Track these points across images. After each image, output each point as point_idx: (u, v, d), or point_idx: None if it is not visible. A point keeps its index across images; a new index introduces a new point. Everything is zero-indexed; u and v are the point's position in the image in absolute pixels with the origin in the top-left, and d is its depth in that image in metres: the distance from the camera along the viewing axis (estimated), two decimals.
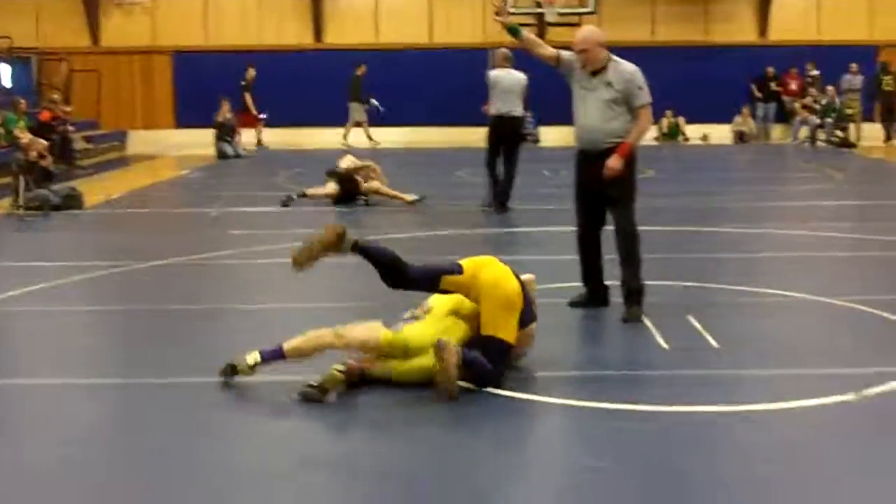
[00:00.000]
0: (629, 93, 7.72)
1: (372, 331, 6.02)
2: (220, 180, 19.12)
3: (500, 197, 13.76)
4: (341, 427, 5.51)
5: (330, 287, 9.05)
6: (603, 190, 7.75)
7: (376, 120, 26.18)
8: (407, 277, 6.13)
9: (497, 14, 8.18)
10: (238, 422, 5.54)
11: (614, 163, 7.58)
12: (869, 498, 4.52)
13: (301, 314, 7.87)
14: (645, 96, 7.75)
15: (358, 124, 26.45)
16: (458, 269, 6.08)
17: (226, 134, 23.56)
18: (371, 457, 5.04)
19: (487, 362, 5.81)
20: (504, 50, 14.02)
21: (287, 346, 6.00)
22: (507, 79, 13.65)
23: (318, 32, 28.16)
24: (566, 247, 8.59)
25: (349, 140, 25.79)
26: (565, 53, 7.97)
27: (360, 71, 26.05)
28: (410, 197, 14.43)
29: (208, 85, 26.12)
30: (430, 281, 6.15)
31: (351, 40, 28.09)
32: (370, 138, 26.26)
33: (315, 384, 5.74)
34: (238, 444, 5.23)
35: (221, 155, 23.17)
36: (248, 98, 25.64)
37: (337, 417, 5.61)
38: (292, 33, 28.23)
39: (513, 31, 8.03)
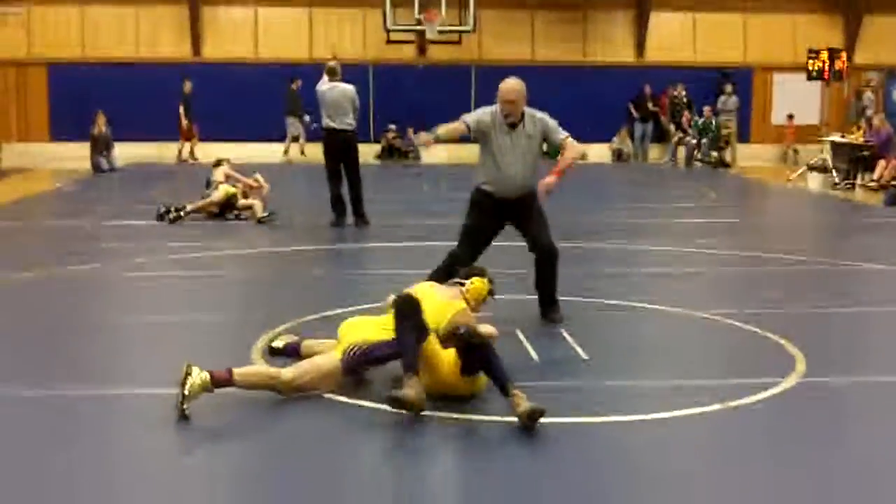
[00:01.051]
0: (548, 133, 8.14)
1: (332, 366, 6.06)
2: (94, 194, 18.76)
3: (357, 211, 13.76)
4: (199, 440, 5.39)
5: (204, 300, 8.95)
6: (518, 221, 8.15)
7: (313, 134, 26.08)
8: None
9: (424, 145, 8.23)
10: (109, 434, 5.41)
11: (553, 182, 8.03)
12: None
13: (176, 328, 7.77)
14: (562, 129, 8.20)
15: (295, 139, 26.35)
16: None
17: (101, 147, 23.08)
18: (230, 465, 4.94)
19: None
20: (331, 63, 14.03)
21: (237, 372, 5.89)
22: (332, 93, 13.61)
23: (196, 46, 27.77)
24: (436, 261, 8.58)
25: (290, 155, 25.93)
26: (470, 118, 8.09)
27: (296, 85, 25.79)
28: (260, 213, 14.23)
29: (84, 98, 25.61)
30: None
31: (229, 54, 27.80)
32: (303, 153, 26.16)
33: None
34: (107, 455, 5.07)
35: (96, 168, 22.70)
36: (182, 111, 25.48)
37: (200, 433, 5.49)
38: (170, 46, 27.79)
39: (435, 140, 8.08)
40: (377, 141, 27.26)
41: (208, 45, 27.90)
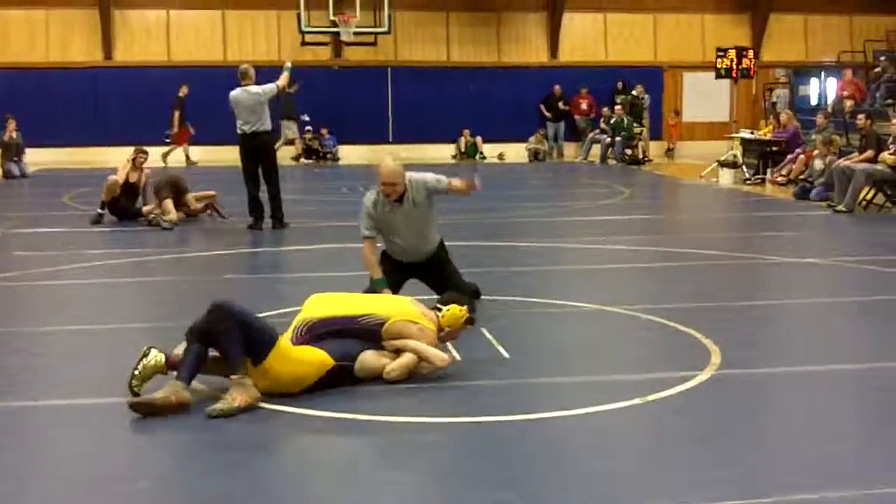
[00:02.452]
0: (431, 191, 8.08)
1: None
2: (6, 200, 18.41)
3: (275, 214, 13.74)
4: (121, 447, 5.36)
5: (121, 307, 8.88)
6: (430, 279, 8.26)
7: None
8: None
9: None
10: (25, 445, 5.34)
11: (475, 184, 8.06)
12: (652, 500, 4.66)
13: (93, 336, 7.70)
14: (441, 177, 8.10)
15: (290, 142, 26.48)
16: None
17: (12, 154, 22.69)
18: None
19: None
20: (244, 66, 13.97)
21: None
22: (245, 96, 13.52)
23: (107, 49, 27.40)
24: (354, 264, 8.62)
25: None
26: (366, 229, 8.10)
27: (293, 88, 25.67)
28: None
29: None
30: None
31: (142, 57, 27.50)
32: (300, 157, 26.72)
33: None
34: (20, 466, 5.03)
35: (7, 175, 22.32)
36: (177, 115, 25.44)
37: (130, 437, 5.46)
38: (80, 50, 27.39)
39: (380, 284, 8.00)
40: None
41: (120, 49, 27.55)
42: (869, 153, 15.95)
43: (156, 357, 5.92)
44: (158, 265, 11.37)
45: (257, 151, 13.63)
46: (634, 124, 26.74)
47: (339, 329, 6.27)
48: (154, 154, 18.25)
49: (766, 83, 27.81)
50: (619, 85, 28.30)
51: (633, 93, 28.06)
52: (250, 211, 13.75)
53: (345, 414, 5.72)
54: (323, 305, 6.45)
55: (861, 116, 17.24)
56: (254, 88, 13.55)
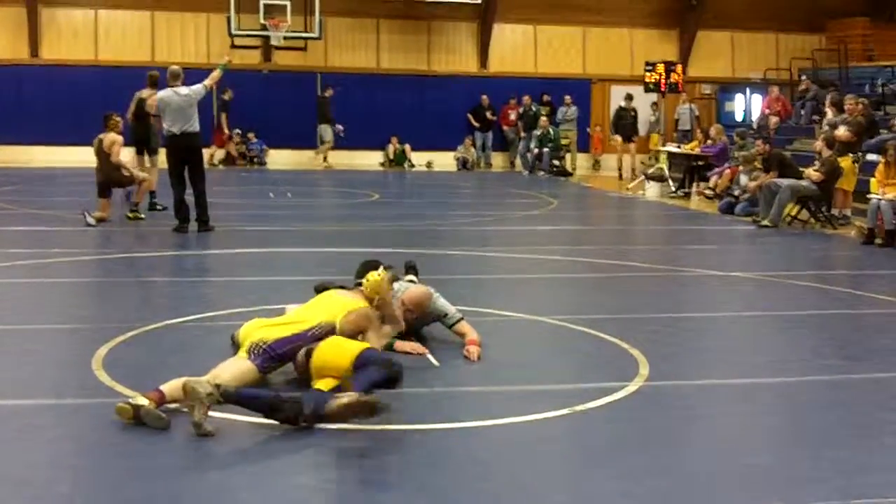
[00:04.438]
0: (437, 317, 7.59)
1: (244, 373, 5.98)
2: None
3: (200, 217, 13.60)
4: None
5: (41, 308, 8.70)
6: None
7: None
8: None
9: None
10: None
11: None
12: None
13: (14, 336, 7.54)
14: (450, 308, 7.60)
15: (325, 145, 26.99)
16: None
17: None
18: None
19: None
20: (174, 67, 13.94)
21: (165, 388, 5.71)
22: (175, 98, 13.44)
23: (33, 47, 26.91)
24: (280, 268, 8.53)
25: (329, 161, 26.98)
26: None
27: (329, 93, 26.62)
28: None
29: None
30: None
31: (69, 56, 27.06)
32: (325, 160, 27.02)
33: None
34: None
35: None
36: (224, 118, 25.96)
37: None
38: (5, 47, 26.86)
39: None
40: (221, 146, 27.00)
41: (46, 47, 27.09)
42: (773, 174, 16.24)
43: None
44: (80, 266, 11.15)
45: (185, 152, 13.48)
46: (563, 137, 26.91)
47: (297, 345, 6.15)
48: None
49: (693, 98, 28.13)
50: (544, 98, 28.43)
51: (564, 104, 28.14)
52: (176, 213, 13.57)
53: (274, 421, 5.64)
54: (269, 329, 6.28)
55: (759, 142, 17.87)
56: (183, 90, 13.45)
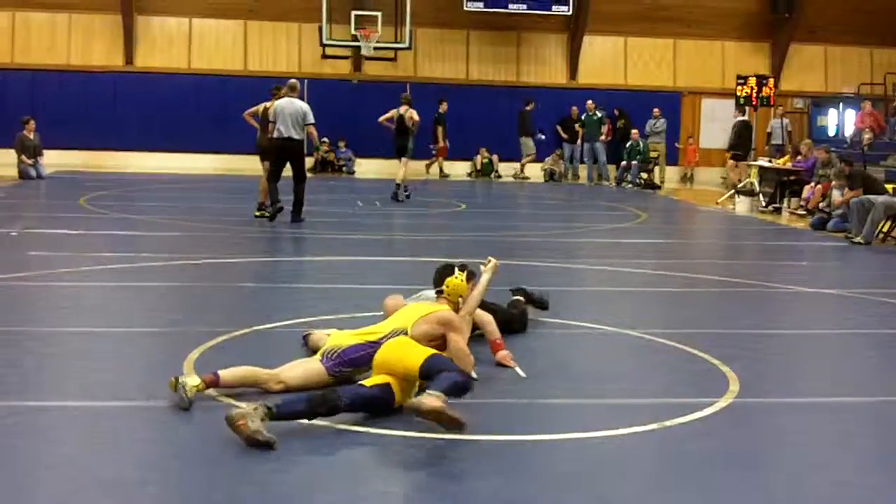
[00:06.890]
0: None
1: (311, 373, 6.25)
2: (22, 201, 18.48)
3: (295, 208, 15.44)
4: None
5: (135, 311, 8.84)
6: None
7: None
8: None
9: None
10: (37, 442, 5.30)
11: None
12: None
13: (106, 339, 7.66)
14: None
15: (529, 158, 27.87)
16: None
17: (30, 154, 22.74)
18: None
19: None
20: (293, 81, 15.82)
21: (223, 373, 6.06)
22: (290, 107, 15.27)
23: (128, 55, 27.47)
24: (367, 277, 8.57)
25: (526, 172, 27.82)
26: None
27: (530, 106, 27.43)
28: None
29: (12, 104, 25.39)
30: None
31: (163, 64, 27.57)
32: (522, 170, 27.90)
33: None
34: (26, 467, 4.99)
35: (24, 175, 22.37)
36: (440, 130, 26.38)
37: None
38: (101, 55, 27.47)
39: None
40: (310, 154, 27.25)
41: (140, 55, 27.64)
42: (858, 191, 15.95)
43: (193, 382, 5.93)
44: (175, 270, 11.32)
45: (289, 154, 15.32)
46: (651, 149, 26.71)
47: (369, 353, 6.21)
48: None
49: (785, 112, 27.75)
50: (616, 112, 28.24)
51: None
52: (270, 199, 15.42)
53: (348, 426, 5.67)
54: (347, 338, 6.48)
55: (841, 162, 17.71)
56: (298, 102, 15.41)
